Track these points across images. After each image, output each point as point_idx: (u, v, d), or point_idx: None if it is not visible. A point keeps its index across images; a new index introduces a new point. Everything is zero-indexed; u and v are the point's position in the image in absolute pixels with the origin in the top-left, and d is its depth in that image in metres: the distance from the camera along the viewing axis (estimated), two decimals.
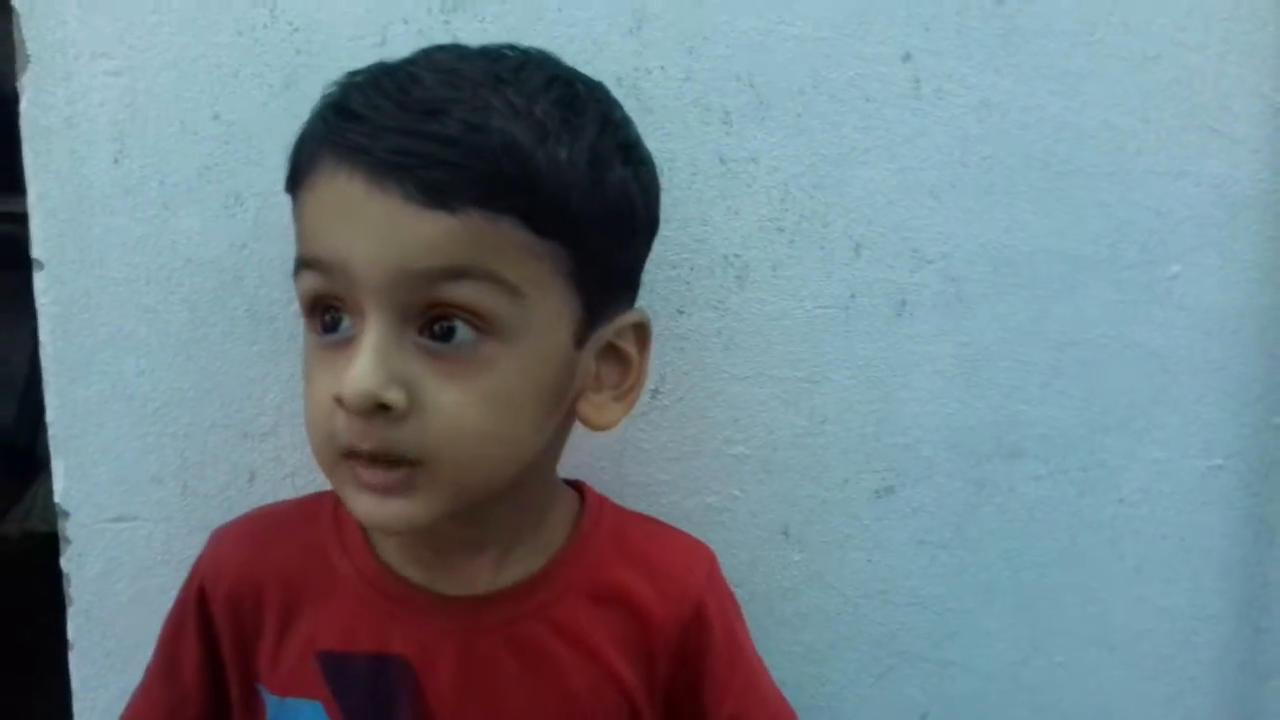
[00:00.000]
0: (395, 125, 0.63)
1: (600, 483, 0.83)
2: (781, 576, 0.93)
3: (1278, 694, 1.00)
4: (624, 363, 0.73)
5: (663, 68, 0.85)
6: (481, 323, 0.64)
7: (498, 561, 0.75)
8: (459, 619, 0.74)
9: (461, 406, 0.64)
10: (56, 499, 0.88)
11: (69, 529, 0.88)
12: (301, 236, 0.67)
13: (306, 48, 0.83)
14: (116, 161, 0.84)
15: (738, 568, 0.87)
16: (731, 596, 0.81)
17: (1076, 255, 0.91)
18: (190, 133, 0.83)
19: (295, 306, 0.69)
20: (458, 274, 0.63)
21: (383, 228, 0.62)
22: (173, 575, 0.82)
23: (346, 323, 0.65)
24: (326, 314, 0.66)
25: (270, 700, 0.76)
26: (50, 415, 0.87)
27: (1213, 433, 0.96)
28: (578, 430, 0.75)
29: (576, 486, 0.81)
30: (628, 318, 0.72)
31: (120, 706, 0.81)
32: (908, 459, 0.92)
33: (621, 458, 0.89)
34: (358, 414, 0.63)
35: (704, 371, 0.89)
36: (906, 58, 0.87)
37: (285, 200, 0.69)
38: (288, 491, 0.87)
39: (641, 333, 0.73)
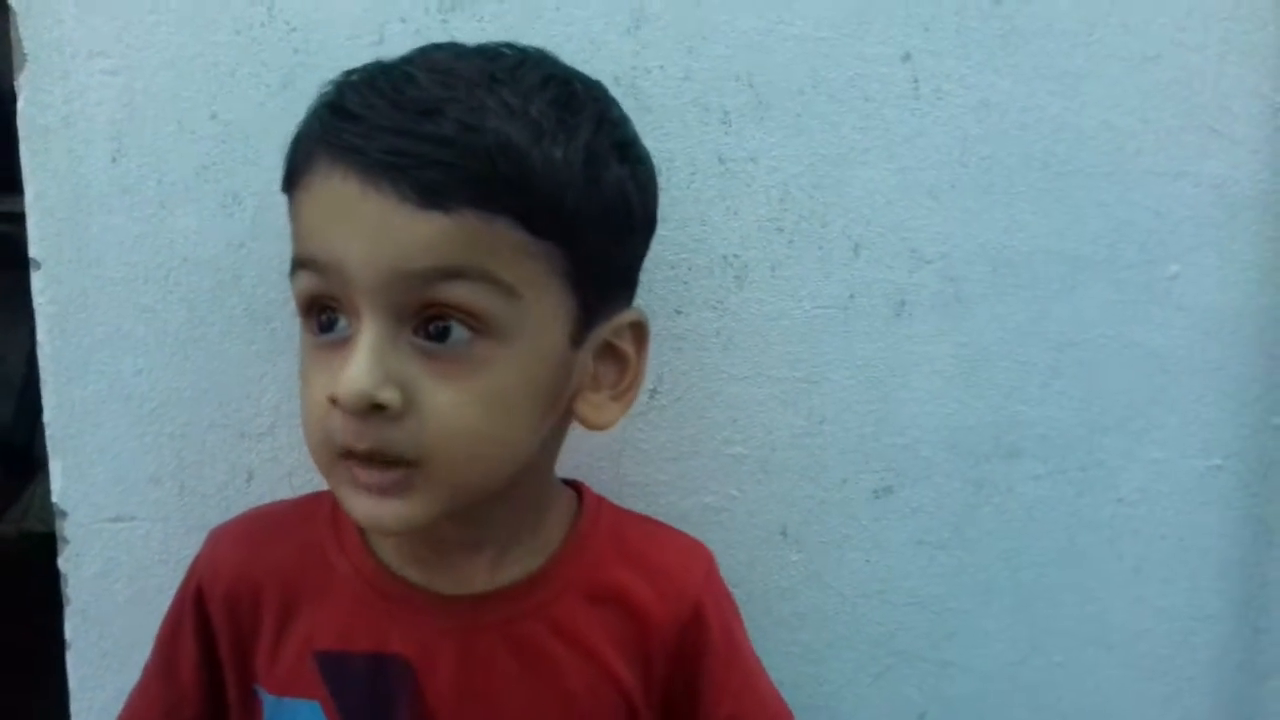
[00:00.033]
0: (390, 125, 0.62)
1: (598, 482, 0.83)
2: (779, 576, 0.93)
3: (1276, 694, 1.00)
4: (621, 362, 0.73)
5: (661, 67, 0.85)
6: (477, 323, 0.64)
7: (495, 561, 0.75)
8: (457, 618, 0.74)
9: (457, 407, 0.64)
10: (54, 499, 0.88)
11: (66, 529, 0.88)
12: (297, 236, 0.67)
13: (304, 47, 0.83)
14: (114, 160, 0.83)
15: (736, 568, 0.87)
16: (729, 596, 0.81)
17: (1076, 255, 0.91)
18: (188, 132, 0.83)
19: (293, 306, 0.69)
20: (452, 274, 0.63)
21: (377, 228, 0.62)
22: (170, 575, 0.82)
23: (342, 323, 0.65)
24: (322, 314, 0.66)
25: (268, 700, 0.76)
26: (48, 415, 0.87)
27: (1211, 433, 0.96)
28: (575, 430, 0.75)
29: (575, 486, 0.81)
30: (625, 317, 0.72)
31: (118, 706, 0.81)
32: (906, 459, 0.92)
33: (620, 457, 0.89)
34: (353, 414, 0.63)
35: (702, 371, 0.89)
36: (906, 58, 0.87)
37: (283, 200, 0.69)
38: (285, 491, 0.86)
39: (639, 332, 0.73)
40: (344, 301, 0.65)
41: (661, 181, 0.76)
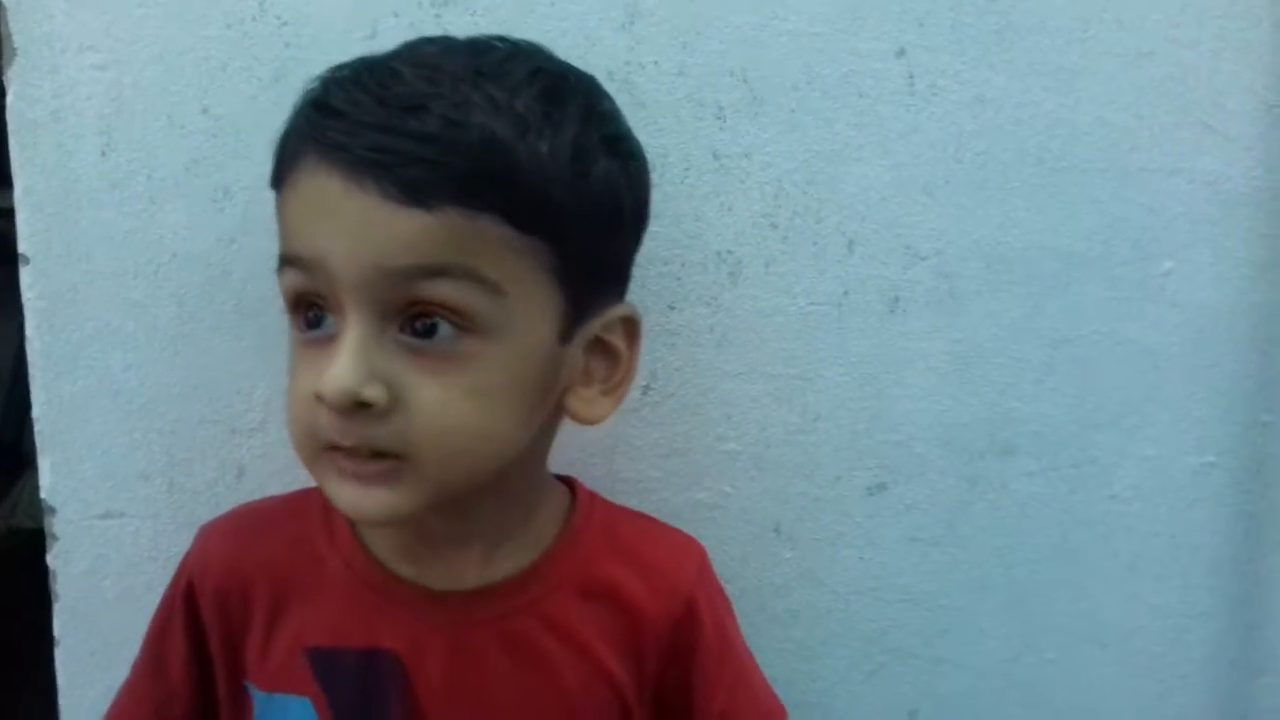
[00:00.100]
0: (374, 122, 0.62)
1: (591, 479, 0.82)
2: (773, 573, 0.93)
3: (1269, 691, 1.00)
4: (613, 357, 0.72)
5: (656, 62, 0.85)
6: (462, 320, 0.64)
7: (487, 556, 0.75)
8: (449, 614, 0.74)
9: (443, 403, 0.64)
10: (43, 495, 0.88)
11: (55, 525, 0.88)
12: (283, 234, 0.67)
13: (296, 41, 0.82)
14: (103, 155, 0.83)
15: (729, 564, 0.87)
16: (722, 593, 0.81)
17: (1070, 252, 0.91)
18: (178, 126, 0.83)
19: (282, 302, 0.68)
20: (436, 272, 0.63)
21: (360, 226, 0.62)
22: (160, 572, 0.82)
23: (329, 320, 0.65)
24: (309, 311, 0.66)
25: (258, 697, 0.76)
26: (36, 411, 0.87)
27: (1204, 430, 0.96)
28: (568, 426, 0.74)
29: (568, 482, 0.81)
30: (616, 312, 0.72)
31: (106, 703, 0.81)
32: (900, 456, 0.92)
33: (613, 454, 0.89)
34: (338, 411, 0.63)
35: (696, 368, 0.89)
36: (900, 53, 0.87)
37: (273, 195, 0.69)
38: (276, 487, 0.86)
39: (630, 327, 0.73)
40: (329, 299, 0.64)
41: (655, 177, 0.76)
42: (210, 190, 0.84)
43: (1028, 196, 0.90)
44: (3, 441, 2.31)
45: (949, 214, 0.89)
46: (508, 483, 0.71)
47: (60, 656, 0.90)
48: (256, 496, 0.85)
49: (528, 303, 0.65)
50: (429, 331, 0.64)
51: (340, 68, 0.67)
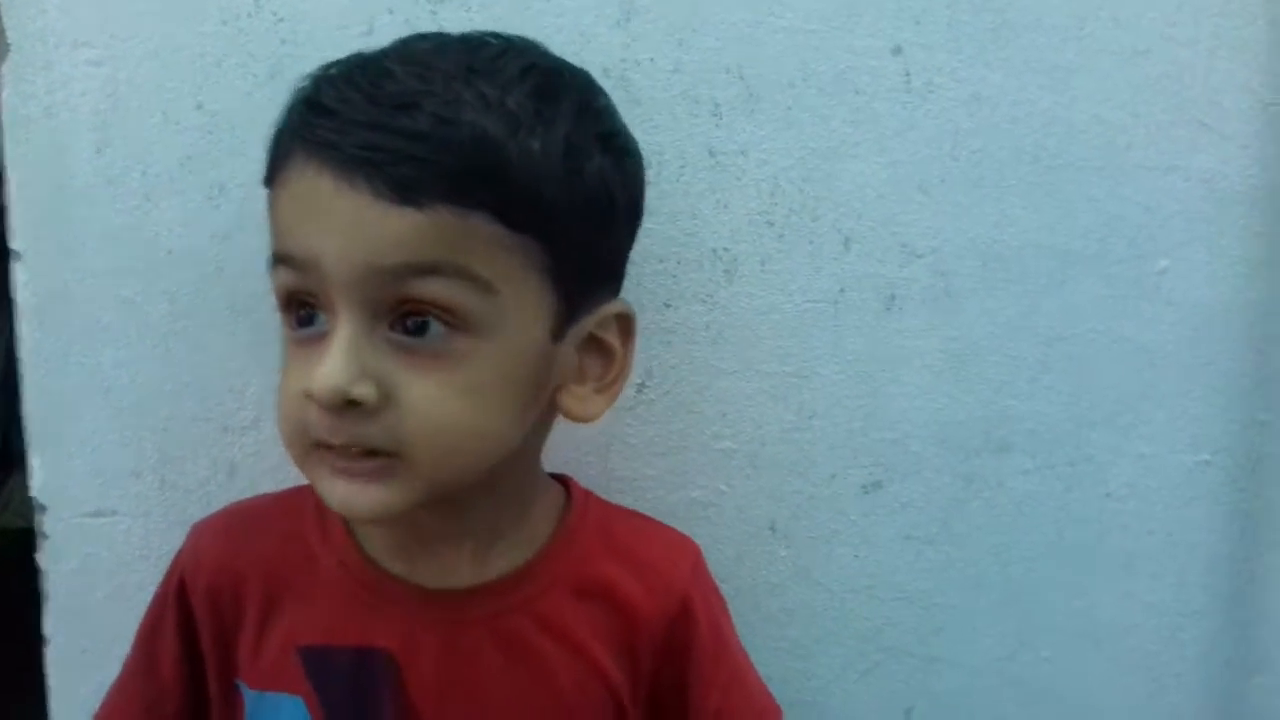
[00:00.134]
0: (364, 120, 0.62)
1: (586, 477, 0.82)
2: (768, 572, 0.93)
3: (1262, 689, 1.00)
4: (607, 354, 0.72)
5: (651, 59, 0.84)
6: (453, 318, 0.64)
7: (481, 554, 0.74)
8: (442, 612, 0.74)
9: (434, 401, 0.64)
10: (33, 493, 0.87)
11: (46, 524, 0.87)
12: (275, 232, 0.67)
13: (292, 37, 0.82)
14: (98, 151, 0.83)
15: (724, 563, 0.87)
16: (717, 591, 0.81)
17: (1066, 250, 0.91)
18: (173, 123, 0.83)
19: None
20: (427, 270, 0.63)
21: (351, 224, 0.62)
22: (151, 571, 0.81)
23: (321, 318, 0.65)
24: (301, 309, 0.66)
25: (249, 695, 0.75)
26: (27, 408, 0.86)
27: (1200, 428, 0.96)
28: (563, 424, 0.74)
29: (562, 481, 0.80)
30: (610, 309, 0.71)
31: (97, 703, 0.80)
32: (895, 454, 0.92)
33: (608, 452, 0.89)
34: (328, 409, 0.63)
35: (691, 366, 0.89)
36: (897, 51, 0.87)
37: (267, 192, 0.69)
38: (269, 486, 0.86)
39: (625, 324, 0.73)
40: (321, 297, 0.64)
41: (651, 174, 0.76)
42: (205, 187, 0.83)
43: (1024, 194, 0.90)
44: None
45: (945, 212, 0.89)
46: (501, 481, 0.71)
47: (50, 655, 0.89)
48: (249, 495, 0.85)
49: (520, 301, 0.65)
50: (420, 330, 0.64)
51: (332, 65, 0.67)
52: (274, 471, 0.86)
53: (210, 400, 0.87)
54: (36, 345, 0.85)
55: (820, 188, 0.88)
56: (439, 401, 0.64)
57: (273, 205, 0.67)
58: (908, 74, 0.87)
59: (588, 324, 0.70)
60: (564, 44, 0.75)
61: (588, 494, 0.80)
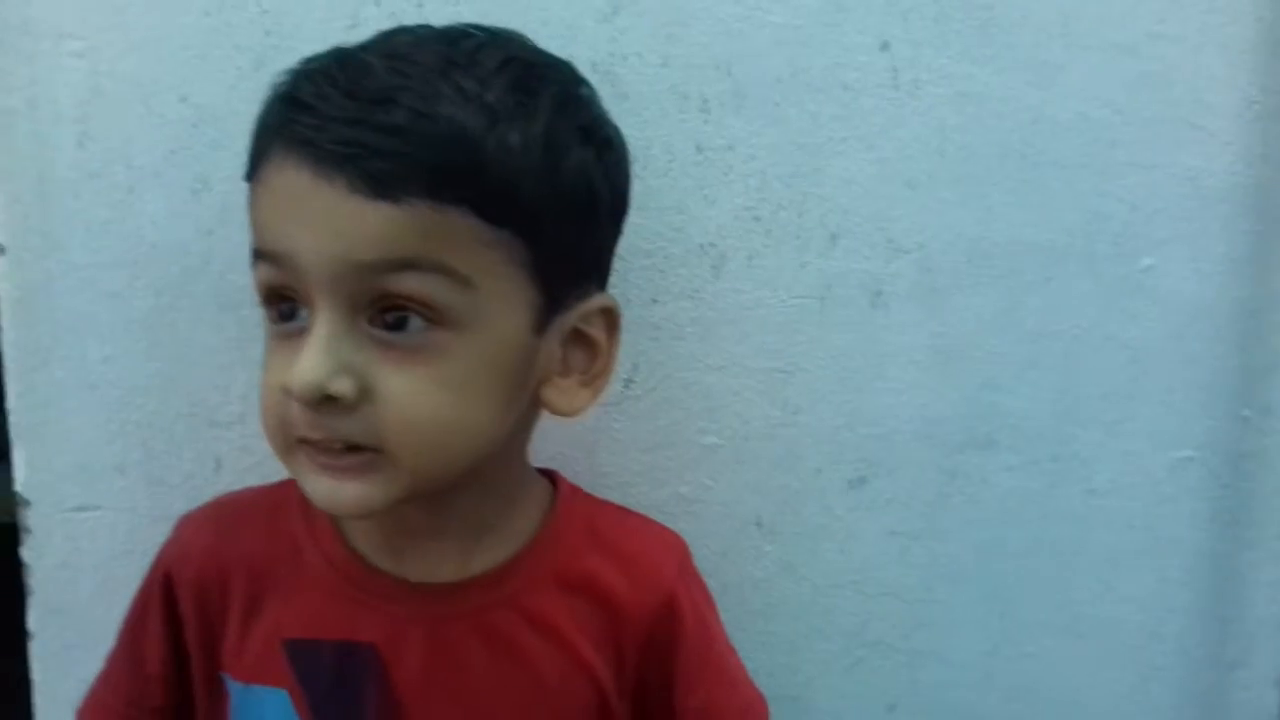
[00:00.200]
0: (342, 115, 0.62)
1: (572, 473, 0.82)
2: (753, 567, 0.93)
3: (1243, 684, 1.01)
4: (591, 348, 0.72)
5: (639, 54, 0.84)
6: (431, 313, 0.64)
7: (467, 549, 0.74)
8: (428, 606, 0.74)
9: (413, 395, 0.64)
10: (17, 488, 0.87)
11: (30, 518, 0.87)
12: (255, 228, 0.67)
13: (276, 29, 0.82)
14: (80, 144, 0.82)
15: (710, 558, 0.87)
16: (703, 586, 0.81)
17: (1051, 247, 0.91)
18: (156, 115, 0.82)
19: None
20: (404, 265, 0.62)
21: (328, 220, 0.62)
22: (136, 566, 0.81)
23: (302, 313, 0.65)
24: (282, 304, 0.66)
25: (234, 688, 0.75)
26: (11, 402, 0.86)
27: (1183, 424, 0.96)
28: (549, 420, 0.74)
29: (549, 475, 0.80)
30: (594, 303, 0.71)
31: (81, 698, 0.80)
32: (881, 450, 0.92)
33: (594, 447, 0.89)
34: (306, 405, 0.63)
35: (678, 361, 0.89)
36: (884, 47, 0.87)
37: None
38: (254, 480, 0.85)
39: (609, 318, 0.73)
40: (300, 292, 0.64)
41: (638, 169, 0.76)
42: (189, 180, 0.83)
43: (1010, 191, 0.90)
44: None
45: (931, 208, 0.89)
46: (487, 475, 0.71)
47: (34, 651, 0.89)
48: (234, 490, 0.84)
49: (499, 295, 0.65)
50: (399, 325, 0.64)
51: (311, 60, 0.66)
52: (259, 466, 0.85)
53: (195, 395, 0.86)
54: (19, 339, 0.84)
55: (807, 183, 0.87)
56: (417, 395, 0.64)
57: (253, 201, 0.67)
58: (895, 70, 0.87)
59: (571, 318, 0.70)
60: (550, 38, 0.74)
61: (574, 489, 0.80)
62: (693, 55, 0.85)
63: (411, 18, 0.80)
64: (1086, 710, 0.99)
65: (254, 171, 0.67)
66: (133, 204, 0.83)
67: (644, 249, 0.86)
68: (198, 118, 0.82)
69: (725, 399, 0.90)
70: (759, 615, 0.93)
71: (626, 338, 0.74)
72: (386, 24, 0.71)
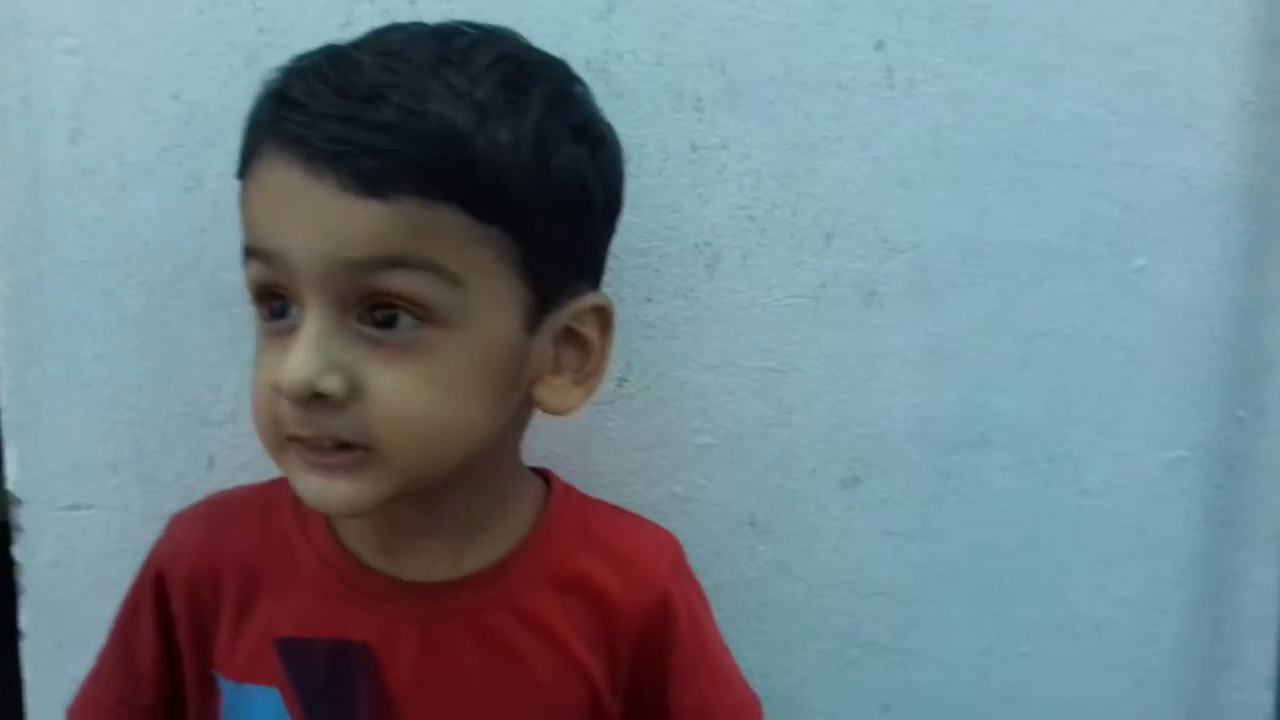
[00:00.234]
0: (332, 113, 0.62)
1: (566, 472, 0.82)
2: (747, 567, 0.93)
3: (1236, 684, 1.01)
4: (584, 347, 0.72)
5: (634, 52, 0.84)
6: (421, 311, 0.63)
7: (460, 548, 0.74)
8: (421, 605, 0.74)
9: (402, 392, 0.64)
10: (9, 486, 0.87)
11: (21, 517, 0.87)
12: (246, 225, 0.67)
13: (270, 26, 0.81)
14: (73, 141, 0.82)
15: (703, 558, 0.87)
16: (697, 586, 0.81)
17: (1045, 247, 0.91)
18: (149, 112, 0.82)
19: None
20: (393, 263, 0.62)
21: (317, 217, 0.62)
22: (128, 565, 0.81)
23: (293, 310, 0.65)
24: (273, 302, 0.66)
25: (226, 687, 0.75)
26: (3, 400, 0.85)
27: (1176, 425, 0.96)
28: (543, 418, 0.74)
29: (543, 475, 0.80)
30: (586, 301, 0.71)
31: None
32: (875, 449, 0.92)
33: (588, 447, 0.89)
34: (296, 402, 0.63)
35: (672, 360, 0.89)
36: (879, 46, 0.87)
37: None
38: (247, 479, 0.85)
39: (602, 317, 0.72)
40: (290, 290, 0.64)
41: (632, 168, 0.76)
42: (182, 178, 0.83)
43: (1004, 191, 0.90)
44: None
45: (926, 208, 0.89)
46: (479, 473, 0.71)
47: (26, 650, 0.88)
48: (227, 488, 0.84)
49: (489, 293, 0.65)
50: (389, 322, 0.64)
51: (303, 57, 0.66)
52: (252, 465, 0.85)
53: (188, 393, 0.86)
54: (11, 337, 0.84)
55: (802, 183, 0.87)
56: (407, 393, 0.64)
57: (243, 199, 0.67)
58: (890, 70, 0.87)
59: (563, 316, 0.70)
60: (545, 36, 0.74)
61: (568, 488, 0.80)
62: (687, 54, 0.85)
63: (405, 15, 0.80)
64: (1080, 710, 0.99)
65: (245, 169, 0.67)
66: (125, 201, 0.83)
67: (638, 247, 0.86)
68: (190, 115, 0.82)
69: (719, 398, 0.90)
70: (753, 615, 0.93)
71: (620, 336, 0.74)
72: (380, 21, 0.71)
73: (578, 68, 0.73)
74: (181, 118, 0.82)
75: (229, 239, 0.81)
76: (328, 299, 0.63)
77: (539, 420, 0.75)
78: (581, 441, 0.88)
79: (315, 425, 0.64)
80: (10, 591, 0.88)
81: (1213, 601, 0.99)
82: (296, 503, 0.75)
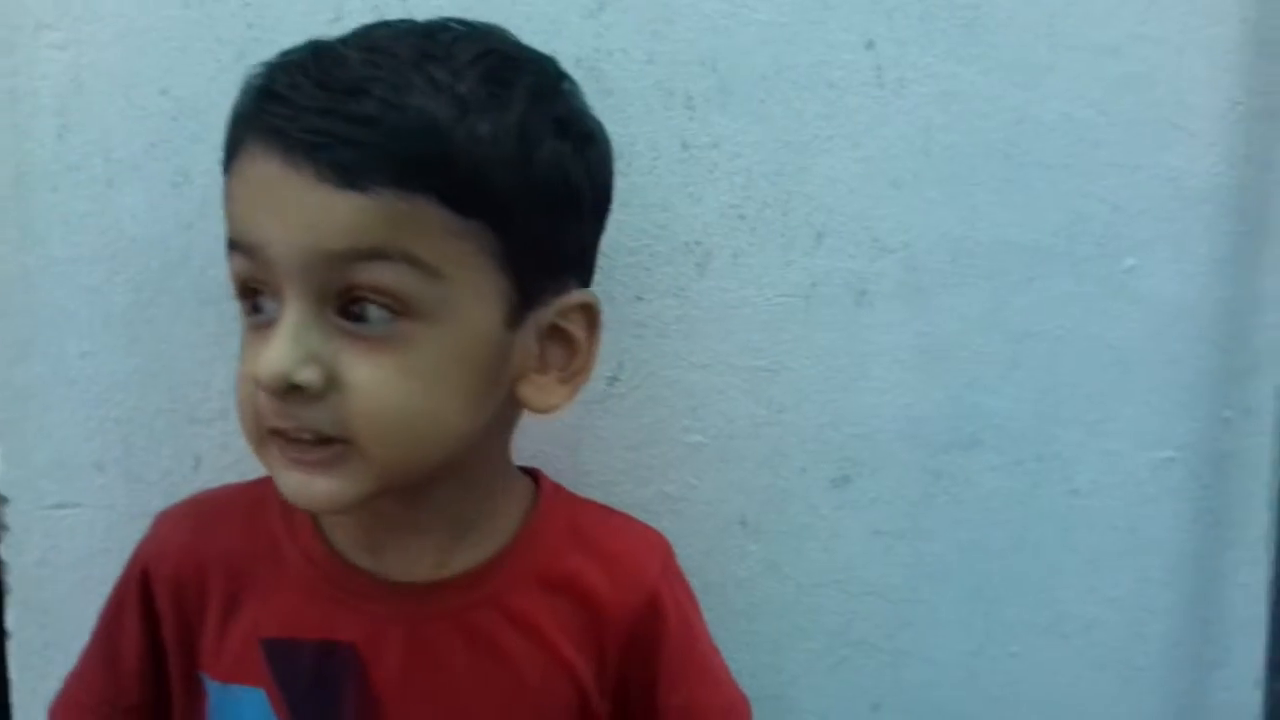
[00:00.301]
0: (313, 105, 0.62)
1: (556, 471, 0.82)
2: (737, 566, 0.92)
3: (1224, 684, 1.01)
4: (570, 345, 0.72)
5: (624, 50, 0.84)
6: (397, 304, 0.63)
7: (448, 548, 0.74)
8: (408, 606, 0.73)
9: (378, 384, 0.64)
10: None
11: (7, 516, 0.86)
12: (228, 218, 0.67)
13: (259, 22, 0.81)
14: (60, 137, 0.82)
15: (694, 557, 0.86)
16: (687, 586, 0.81)
17: (1035, 247, 0.91)
18: (137, 108, 0.82)
19: None
20: (371, 255, 0.62)
21: (296, 209, 0.62)
22: (115, 564, 0.80)
23: (271, 304, 0.65)
24: (255, 296, 0.66)
25: (212, 687, 0.75)
26: None
27: (1165, 425, 0.96)
28: (532, 417, 0.74)
29: (532, 474, 0.80)
30: (572, 299, 0.71)
31: None
32: (865, 449, 0.92)
33: (578, 446, 0.89)
34: (274, 395, 0.63)
35: (662, 359, 0.88)
36: (869, 45, 0.87)
37: None
38: (234, 477, 0.85)
39: (589, 314, 0.72)
40: (269, 283, 0.64)
41: (623, 166, 0.76)
42: (169, 173, 0.82)
43: (994, 191, 0.90)
44: None
45: (916, 207, 0.89)
46: (466, 471, 0.71)
47: (12, 650, 0.88)
48: (213, 487, 0.83)
49: (469, 286, 0.65)
50: (367, 315, 0.64)
51: (288, 52, 0.66)
52: (239, 464, 0.85)
53: (175, 391, 0.86)
54: None
55: (792, 182, 0.87)
56: (383, 384, 0.64)
57: (227, 192, 0.67)
58: (880, 68, 0.87)
59: (548, 313, 0.70)
60: (535, 33, 0.74)
61: (557, 487, 0.80)
62: (678, 52, 0.85)
63: (395, 12, 0.80)
64: (1069, 710, 0.99)
65: (229, 162, 0.67)
66: (112, 197, 0.83)
67: (629, 246, 0.86)
68: (178, 111, 0.82)
69: (710, 397, 0.90)
70: (742, 614, 0.93)
71: (611, 335, 0.74)
72: (370, 17, 0.71)
73: (568, 65, 0.72)
74: (169, 113, 0.82)
75: (217, 235, 0.80)
76: (307, 291, 0.63)
77: (528, 419, 0.75)
78: (571, 440, 0.88)
79: (293, 417, 0.64)
80: None
81: (1201, 602, 0.99)
82: (283, 502, 0.75)
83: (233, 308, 0.81)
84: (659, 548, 0.80)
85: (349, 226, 0.62)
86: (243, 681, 0.74)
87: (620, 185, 0.75)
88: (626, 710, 0.77)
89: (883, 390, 0.91)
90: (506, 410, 0.72)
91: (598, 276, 0.75)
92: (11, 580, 0.87)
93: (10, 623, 0.88)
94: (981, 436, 0.94)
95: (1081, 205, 0.92)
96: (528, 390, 0.71)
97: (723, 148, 0.86)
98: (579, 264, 0.73)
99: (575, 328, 0.71)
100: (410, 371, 0.64)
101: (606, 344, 0.74)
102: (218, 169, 0.69)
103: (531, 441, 0.81)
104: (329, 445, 0.65)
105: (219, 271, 0.81)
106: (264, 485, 0.77)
